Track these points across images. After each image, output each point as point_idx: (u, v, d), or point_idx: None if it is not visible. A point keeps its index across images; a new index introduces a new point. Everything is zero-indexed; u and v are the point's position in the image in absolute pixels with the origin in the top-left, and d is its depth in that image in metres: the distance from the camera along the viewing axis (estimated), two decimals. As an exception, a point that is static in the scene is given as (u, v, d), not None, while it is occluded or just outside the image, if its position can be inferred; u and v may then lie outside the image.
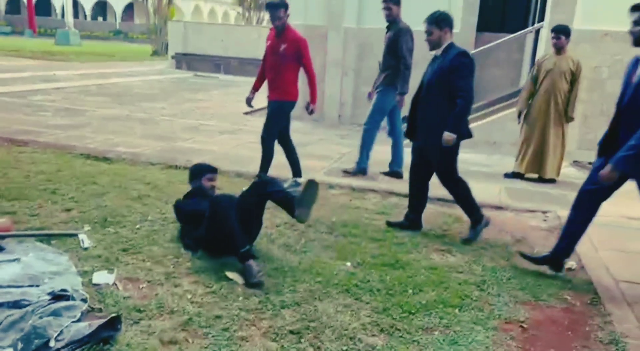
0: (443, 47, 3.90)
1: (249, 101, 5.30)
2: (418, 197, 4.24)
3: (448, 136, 3.79)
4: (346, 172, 5.80)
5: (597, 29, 6.99)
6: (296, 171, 5.25)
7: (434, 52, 3.99)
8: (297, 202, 3.38)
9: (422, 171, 4.16)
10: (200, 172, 3.85)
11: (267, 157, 5.13)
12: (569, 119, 5.92)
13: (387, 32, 5.65)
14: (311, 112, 5.14)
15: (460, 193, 4.10)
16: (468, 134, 3.94)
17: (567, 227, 3.55)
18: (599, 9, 6.90)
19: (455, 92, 3.78)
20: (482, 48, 8.52)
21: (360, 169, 5.78)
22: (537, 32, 8.32)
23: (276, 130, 5.10)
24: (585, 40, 6.95)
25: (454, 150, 3.93)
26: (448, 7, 9.34)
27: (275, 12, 4.81)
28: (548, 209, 5.03)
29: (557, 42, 5.76)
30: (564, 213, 4.84)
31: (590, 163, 7.13)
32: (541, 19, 8.13)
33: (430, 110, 3.95)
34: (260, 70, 5.25)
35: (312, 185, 3.41)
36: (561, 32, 5.74)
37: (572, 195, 5.46)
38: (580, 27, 6.90)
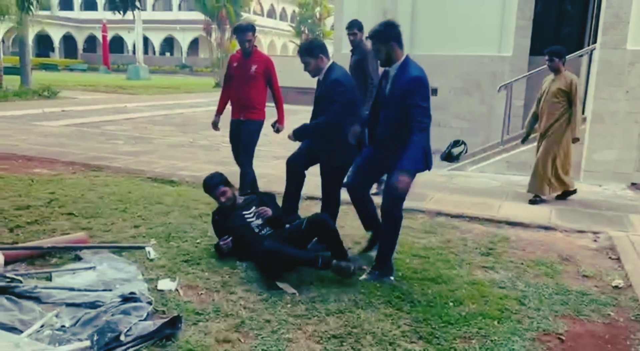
0: (323, 72, 4.04)
1: (215, 125, 5.55)
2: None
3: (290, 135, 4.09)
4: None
5: (652, 49, 6.89)
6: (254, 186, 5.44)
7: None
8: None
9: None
10: (210, 191, 4.07)
11: (250, 178, 5.34)
12: (574, 140, 5.79)
13: (352, 56, 5.92)
14: (278, 131, 5.32)
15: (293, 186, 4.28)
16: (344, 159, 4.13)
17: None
18: (653, 29, 6.81)
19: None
20: (534, 71, 8.52)
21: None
22: (592, 53, 8.25)
23: (254, 150, 5.35)
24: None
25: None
26: (499, 31, 9.52)
27: (244, 35, 5.05)
28: (599, 230, 4.98)
29: (551, 64, 5.82)
30: (617, 234, 4.84)
31: (650, 186, 6.95)
32: (596, 41, 8.07)
33: None
34: (223, 93, 5.45)
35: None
36: (554, 54, 5.77)
37: (626, 217, 5.45)
38: (634, 48, 6.84)
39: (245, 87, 5.19)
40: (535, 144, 6.18)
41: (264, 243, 3.50)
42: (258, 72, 5.15)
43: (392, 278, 3.60)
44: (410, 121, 3.34)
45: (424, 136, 3.33)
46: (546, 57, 5.85)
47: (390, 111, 3.53)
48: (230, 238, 3.80)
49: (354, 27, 5.89)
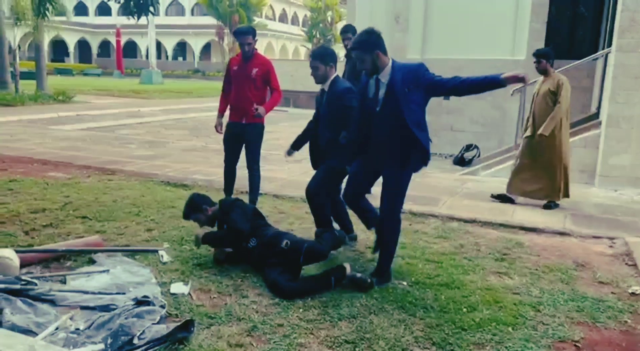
0: (329, 81, 4.03)
1: (220, 126, 5.50)
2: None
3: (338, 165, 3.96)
4: None
5: (669, 52, 6.79)
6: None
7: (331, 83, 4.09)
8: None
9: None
10: (187, 219, 4.06)
11: (258, 180, 5.44)
12: (540, 135, 5.63)
13: (346, 62, 5.89)
14: (256, 110, 4.99)
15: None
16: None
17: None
18: (670, 32, 6.72)
19: (342, 125, 3.91)
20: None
21: None
22: (607, 57, 8.17)
23: (260, 153, 5.37)
24: (656, 64, 6.78)
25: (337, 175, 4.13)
26: (513, 34, 9.47)
27: (244, 38, 5.00)
28: (615, 235, 4.91)
29: (538, 66, 5.74)
30: (633, 240, 4.77)
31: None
32: (611, 44, 7.99)
33: (323, 138, 4.09)
34: (222, 96, 5.45)
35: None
36: (541, 56, 5.70)
37: (643, 222, 5.37)
38: (650, 51, 6.75)
39: (246, 91, 5.17)
40: (521, 144, 6.07)
41: (290, 286, 3.39)
42: (258, 75, 5.15)
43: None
44: (451, 90, 3.38)
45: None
46: (534, 60, 5.80)
47: (399, 110, 3.37)
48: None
49: (349, 31, 5.72)
